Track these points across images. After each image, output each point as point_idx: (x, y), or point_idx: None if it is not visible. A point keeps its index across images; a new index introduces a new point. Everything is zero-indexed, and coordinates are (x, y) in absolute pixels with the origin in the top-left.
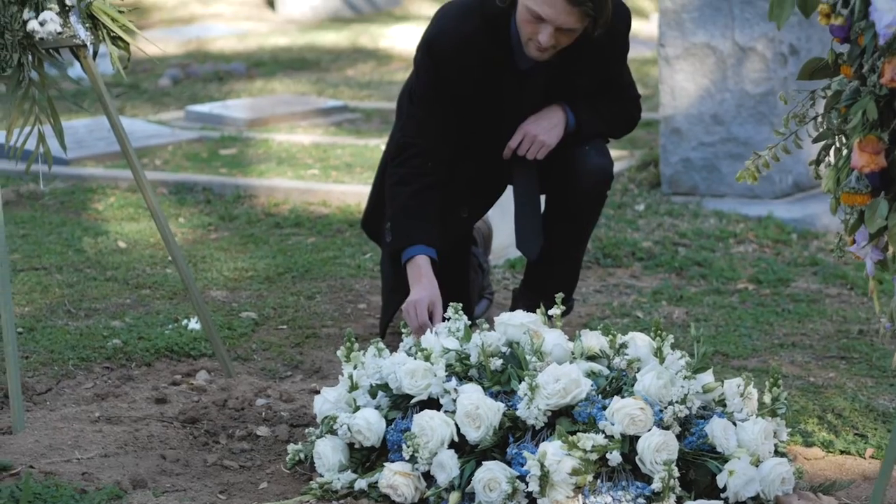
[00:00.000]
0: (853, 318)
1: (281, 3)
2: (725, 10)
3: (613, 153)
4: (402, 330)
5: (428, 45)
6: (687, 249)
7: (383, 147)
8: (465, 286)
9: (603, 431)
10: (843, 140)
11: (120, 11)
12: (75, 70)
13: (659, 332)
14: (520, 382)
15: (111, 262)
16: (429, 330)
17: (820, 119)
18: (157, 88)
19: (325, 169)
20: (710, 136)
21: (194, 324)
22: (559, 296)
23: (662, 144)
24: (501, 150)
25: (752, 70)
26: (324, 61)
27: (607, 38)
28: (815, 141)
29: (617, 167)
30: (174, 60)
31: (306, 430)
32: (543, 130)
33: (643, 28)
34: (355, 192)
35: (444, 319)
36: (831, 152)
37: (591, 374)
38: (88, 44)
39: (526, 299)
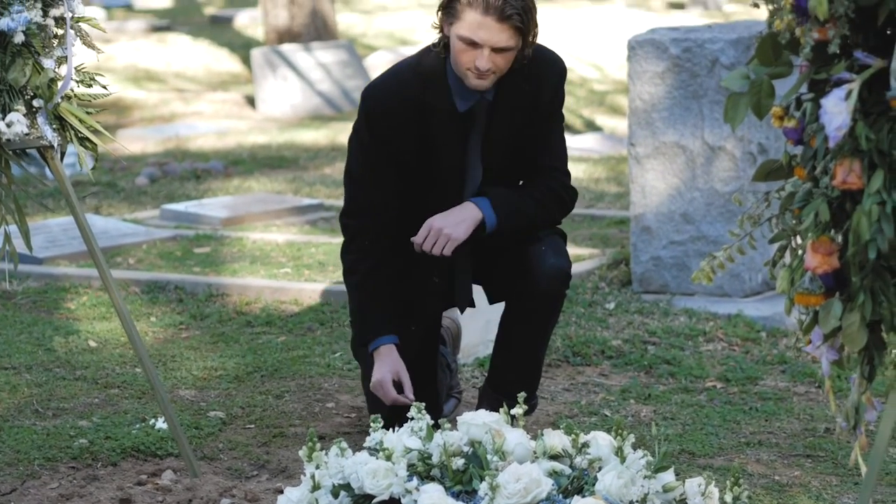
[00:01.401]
0: (820, 417)
1: (261, 101)
2: (695, 109)
3: (584, 251)
4: (371, 424)
5: (362, 98)
6: (656, 348)
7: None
8: (433, 385)
9: None
10: (798, 241)
11: (88, 112)
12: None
13: (620, 431)
14: (481, 482)
15: (81, 361)
16: (406, 399)
17: (775, 220)
18: (133, 187)
19: (298, 268)
20: (680, 234)
21: (161, 423)
22: (521, 395)
23: (633, 243)
24: (453, 205)
25: (722, 169)
26: (302, 159)
27: (541, 81)
28: (772, 242)
29: (588, 265)
30: (152, 158)
31: None
32: (450, 225)
33: (618, 126)
34: (327, 291)
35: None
36: (787, 253)
37: (552, 474)
38: (55, 145)
39: (489, 398)
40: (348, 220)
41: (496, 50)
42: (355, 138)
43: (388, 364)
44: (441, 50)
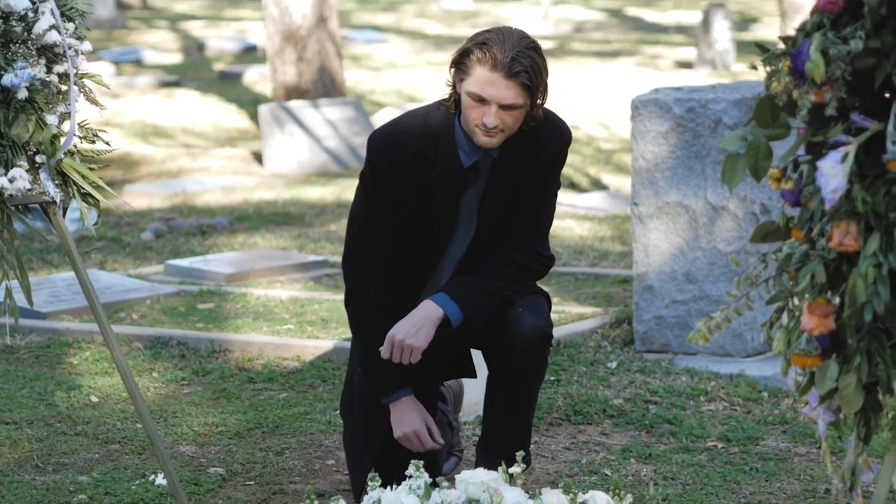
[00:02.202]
0: (821, 478)
1: (268, 157)
2: (698, 169)
3: (588, 310)
4: (369, 483)
5: (368, 144)
6: (658, 407)
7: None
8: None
9: None
10: (795, 302)
11: (91, 168)
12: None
13: (618, 490)
14: None
15: (82, 416)
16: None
17: (772, 281)
18: (139, 242)
19: (301, 324)
20: (683, 294)
21: (161, 479)
22: (519, 454)
23: (635, 302)
24: (451, 256)
25: (725, 229)
26: (307, 216)
27: (543, 143)
28: (769, 303)
29: (590, 324)
30: (158, 214)
31: None
32: (409, 334)
33: (623, 184)
34: (329, 348)
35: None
36: (784, 314)
37: None
38: (58, 200)
39: (485, 458)
40: (350, 269)
41: (504, 107)
42: (360, 185)
43: (418, 413)
44: (451, 105)
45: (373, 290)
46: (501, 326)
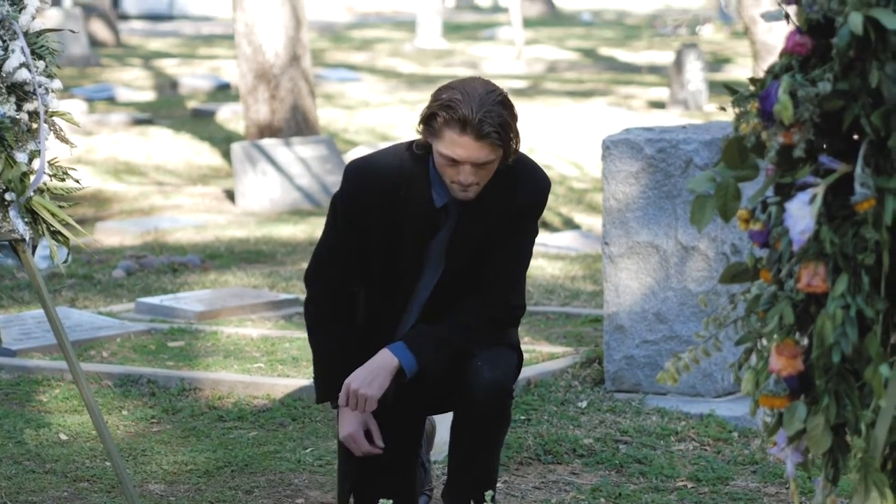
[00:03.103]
0: None
1: (241, 195)
2: (669, 209)
3: (559, 349)
4: None
5: (343, 173)
6: (628, 447)
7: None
8: (413, 484)
9: None
10: (763, 343)
11: (60, 206)
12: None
13: None
14: None
15: (51, 454)
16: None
17: (741, 322)
18: (110, 280)
19: (272, 362)
20: (654, 333)
21: None
22: (489, 494)
23: (606, 341)
24: (419, 298)
25: (695, 269)
26: (279, 254)
27: (519, 190)
28: (738, 344)
29: (561, 364)
30: (130, 251)
31: None
32: (364, 383)
33: (595, 224)
34: (300, 386)
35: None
36: (752, 355)
37: None
38: (27, 238)
39: (451, 501)
40: (310, 279)
41: (477, 165)
42: (331, 209)
43: (356, 416)
44: (424, 150)
45: (327, 298)
46: (460, 379)
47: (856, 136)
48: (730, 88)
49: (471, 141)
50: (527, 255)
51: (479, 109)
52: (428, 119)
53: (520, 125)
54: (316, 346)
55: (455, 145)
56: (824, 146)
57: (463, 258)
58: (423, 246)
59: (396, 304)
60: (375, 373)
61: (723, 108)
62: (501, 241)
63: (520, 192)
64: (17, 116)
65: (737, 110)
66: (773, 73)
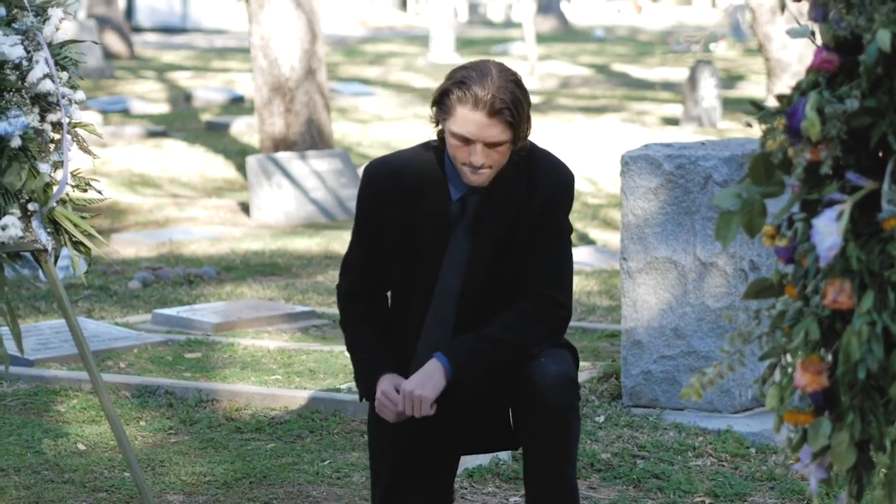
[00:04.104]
0: None
1: (255, 208)
2: (688, 225)
3: None
4: None
5: (362, 172)
6: (645, 462)
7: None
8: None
9: None
10: (788, 359)
11: (83, 217)
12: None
13: None
14: None
15: (70, 464)
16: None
17: (765, 338)
18: (126, 291)
19: (289, 374)
20: (671, 349)
21: None
22: None
23: (623, 357)
24: (444, 294)
25: (713, 285)
26: (294, 267)
27: (538, 182)
28: (762, 359)
29: (579, 378)
30: (145, 263)
31: None
32: (418, 385)
33: (610, 239)
34: (317, 399)
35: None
36: (777, 371)
37: None
38: (49, 248)
39: None
40: (342, 277)
41: (489, 145)
42: (357, 204)
43: (391, 379)
44: (440, 144)
45: (357, 307)
46: (524, 378)
47: (882, 153)
48: (756, 105)
49: (483, 117)
50: (567, 254)
51: (492, 86)
52: (441, 97)
53: (533, 136)
54: (351, 346)
55: (467, 122)
56: (851, 163)
57: (487, 251)
58: (442, 240)
59: (417, 304)
60: (429, 375)
61: (748, 125)
62: (535, 239)
63: (541, 184)
64: (41, 127)
65: (763, 127)
66: (801, 90)
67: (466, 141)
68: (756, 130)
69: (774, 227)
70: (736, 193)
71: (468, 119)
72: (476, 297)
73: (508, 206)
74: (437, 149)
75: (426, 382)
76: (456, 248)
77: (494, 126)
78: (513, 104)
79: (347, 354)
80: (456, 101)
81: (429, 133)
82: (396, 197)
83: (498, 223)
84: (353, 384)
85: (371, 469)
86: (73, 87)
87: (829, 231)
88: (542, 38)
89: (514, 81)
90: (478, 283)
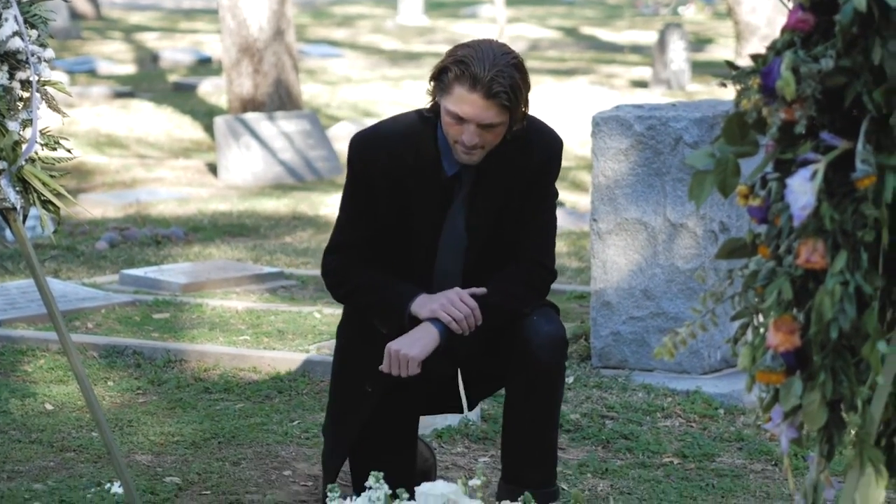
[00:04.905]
0: (776, 495)
1: (223, 169)
2: (658, 187)
3: None
4: (328, 494)
5: (349, 145)
6: (614, 422)
7: (317, 315)
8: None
9: None
10: (760, 319)
11: (52, 175)
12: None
13: None
14: None
15: (37, 424)
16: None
17: (738, 298)
18: (93, 251)
19: (257, 335)
20: (641, 310)
21: (117, 488)
22: (527, 496)
23: (593, 318)
24: (443, 271)
25: (683, 246)
26: (262, 227)
27: (531, 153)
28: (734, 319)
29: None
30: (113, 224)
31: None
32: (405, 345)
33: (579, 201)
34: (286, 359)
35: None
36: (749, 330)
37: None
38: (18, 207)
39: (508, 493)
40: (332, 258)
41: (483, 126)
42: (346, 178)
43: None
44: (433, 116)
45: (357, 264)
46: (516, 337)
47: (856, 113)
48: (731, 65)
49: (479, 99)
50: (553, 219)
51: (492, 69)
52: (439, 74)
53: (529, 102)
54: (363, 290)
55: (463, 102)
56: (825, 123)
57: (484, 225)
58: (437, 215)
59: (417, 278)
60: (418, 336)
61: (723, 84)
62: (524, 205)
63: (533, 153)
64: (10, 85)
65: (737, 86)
66: (776, 50)
67: (460, 120)
68: (727, 92)
69: (748, 186)
70: (709, 153)
71: (464, 99)
72: (476, 269)
73: (503, 178)
74: (430, 122)
75: (414, 343)
76: (452, 226)
77: (490, 108)
78: (511, 88)
79: (357, 307)
80: (454, 79)
81: (397, 95)
82: (389, 172)
83: (494, 196)
84: (321, 344)
85: (331, 426)
86: (43, 46)
87: (802, 191)
88: (511, 1)
89: (514, 65)
90: (476, 255)
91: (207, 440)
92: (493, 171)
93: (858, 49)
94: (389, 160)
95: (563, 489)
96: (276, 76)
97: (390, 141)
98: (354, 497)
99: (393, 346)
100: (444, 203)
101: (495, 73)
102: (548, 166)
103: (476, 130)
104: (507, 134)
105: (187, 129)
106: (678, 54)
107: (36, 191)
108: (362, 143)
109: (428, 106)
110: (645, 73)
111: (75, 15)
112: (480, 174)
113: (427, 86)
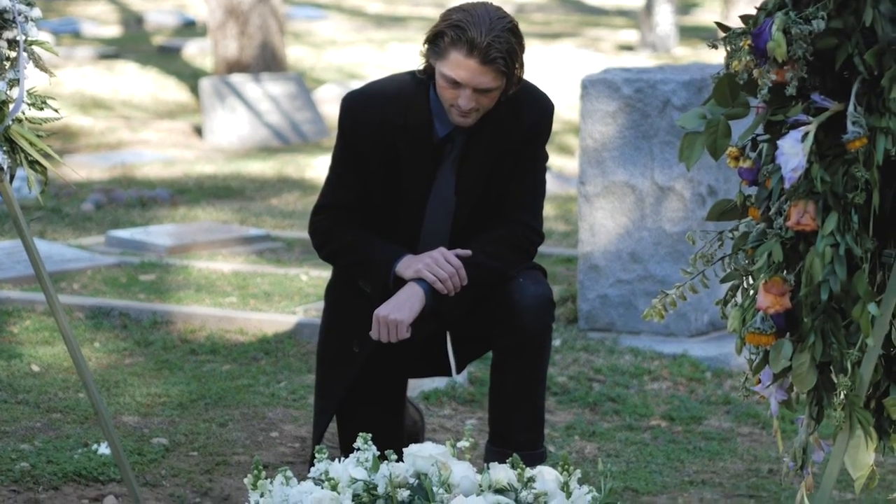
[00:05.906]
0: (763, 458)
1: (209, 131)
2: (646, 149)
3: None
4: (316, 455)
5: (341, 105)
6: (601, 385)
7: (304, 277)
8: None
9: None
10: (750, 281)
11: (39, 136)
12: None
13: (566, 466)
14: None
15: (23, 385)
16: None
17: (728, 260)
18: (79, 213)
19: (244, 297)
20: (628, 273)
21: (104, 448)
22: (515, 457)
23: (580, 280)
24: (431, 231)
25: (671, 209)
26: (248, 190)
27: (522, 114)
28: (723, 281)
29: None
30: (98, 185)
31: None
32: (393, 309)
33: (566, 165)
34: (272, 321)
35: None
36: (739, 293)
37: None
38: (5, 167)
39: (496, 455)
40: (320, 218)
41: (479, 90)
42: (336, 138)
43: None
44: (426, 78)
45: (345, 224)
46: (503, 300)
47: (847, 75)
48: (721, 26)
49: (476, 64)
50: (542, 182)
51: (489, 34)
52: (434, 38)
53: (525, 66)
54: (348, 249)
55: (459, 67)
56: (816, 84)
57: (473, 186)
58: (426, 176)
59: (405, 238)
60: (404, 299)
61: (714, 46)
62: (515, 167)
63: (524, 115)
64: None
65: (728, 48)
66: (767, 11)
67: (456, 84)
68: (714, 56)
69: (739, 148)
70: (700, 114)
71: (460, 64)
72: (464, 231)
73: (494, 139)
74: (423, 83)
75: (401, 306)
76: (442, 186)
77: (486, 74)
78: (507, 53)
79: (342, 266)
80: (449, 44)
81: (382, 58)
82: (379, 132)
83: (484, 158)
84: (308, 306)
85: (318, 387)
86: (30, 5)
87: (793, 152)
88: None
89: (510, 29)
90: (465, 217)
91: (194, 401)
92: (484, 133)
93: (850, 10)
94: (381, 120)
95: (551, 451)
96: (262, 38)
97: (382, 101)
98: (342, 458)
99: (381, 311)
100: (433, 164)
101: (492, 38)
102: (538, 128)
103: (472, 95)
104: (501, 97)
105: (172, 90)
106: (664, 17)
107: (23, 151)
108: (354, 103)
109: (421, 68)
110: (631, 36)
111: None
112: (471, 136)
113: (418, 49)
